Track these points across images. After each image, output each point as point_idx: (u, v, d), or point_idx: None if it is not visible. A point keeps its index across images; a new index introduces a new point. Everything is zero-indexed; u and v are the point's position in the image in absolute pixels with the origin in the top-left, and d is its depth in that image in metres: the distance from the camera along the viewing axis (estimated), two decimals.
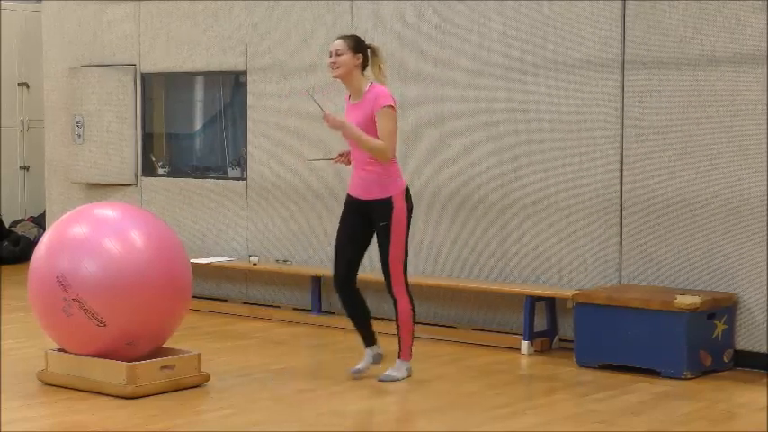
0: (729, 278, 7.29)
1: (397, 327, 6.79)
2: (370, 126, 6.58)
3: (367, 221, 6.71)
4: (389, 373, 6.79)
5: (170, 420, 5.98)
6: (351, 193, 6.76)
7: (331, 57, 6.67)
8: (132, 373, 6.33)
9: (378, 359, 6.93)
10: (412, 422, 6.10)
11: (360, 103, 6.65)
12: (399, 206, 6.63)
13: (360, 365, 6.90)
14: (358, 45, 6.70)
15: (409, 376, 6.82)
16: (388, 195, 6.61)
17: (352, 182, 6.76)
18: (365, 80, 6.70)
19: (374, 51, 6.76)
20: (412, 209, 6.74)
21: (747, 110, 7.19)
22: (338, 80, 6.77)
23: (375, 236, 6.72)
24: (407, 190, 6.72)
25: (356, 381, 6.82)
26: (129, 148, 10.24)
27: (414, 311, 6.77)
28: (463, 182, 8.36)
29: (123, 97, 10.21)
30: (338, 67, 6.65)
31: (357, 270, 6.84)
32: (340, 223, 6.84)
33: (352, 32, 8.48)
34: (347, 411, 6.23)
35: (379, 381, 6.73)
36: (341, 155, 6.94)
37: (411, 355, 6.83)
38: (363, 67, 6.70)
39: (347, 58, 6.64)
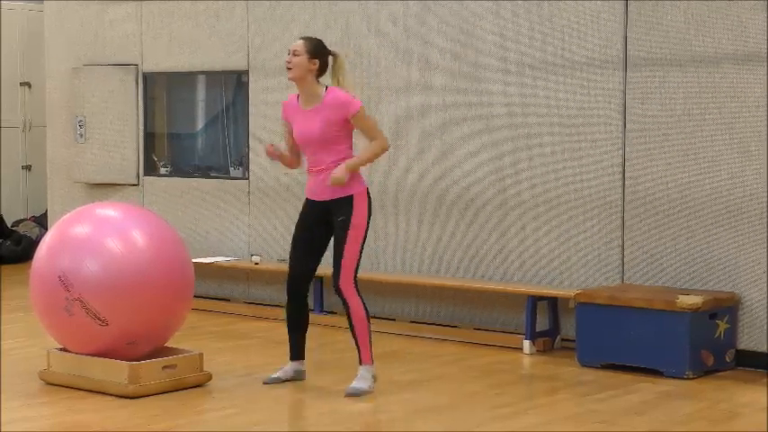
0: (731, 278, 7.28)
1: (352, 331, 6.47)
2: (334, 130, 6.39)
3: (326, 224, 6.52)
4: (355, 385, 6.47)
5: (172, 420, 5.97)
6: (310, 197, 6.56)
7: (288, 55, 6.47)
8: (134, 372, 6.32)
9: (300, 376, 6.75)
10: (413, 422, 6.08)
11: (319, 108, 6.42)
12: (360, 203, 6.44)
13: (278, 374, 6.71)
14: (316, 50, 6.45)
15: (374, 382, 6.52)
16: (350, 193, 6.44)
17: (310, 185, 6.53)
18: (320, 85, 6.48)
19: (335, 59, 6.50)
20: (371, 211, 6.53)
21: (749, 109, 7.18)
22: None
23: (333, 236, 6.52)
24: (368, 192, 6.54)
25: None
26: (131, 148, 10.23)
27: (367, 311, 6.47)
28: (465, 181, 8.36)
29: (125, 97, 10.20)
30: (291, 69, 6.43)
31: (312, 276, 6.72)
32: (298, 224, 6.65)
33: (356, 32, 8.49)
34: (349, 411, 6.21)
35: (347, 396, 6.42)
36: (272, 145, 6.61)
37: (372, 358, 6.51)
38: (320, 72, 6.47)
39: (302, 60, 6.41)
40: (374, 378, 6.55)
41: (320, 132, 6.41)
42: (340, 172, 6.37)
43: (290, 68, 6.44)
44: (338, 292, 6.49)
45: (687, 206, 7.43)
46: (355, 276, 6.48)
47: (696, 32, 7.33)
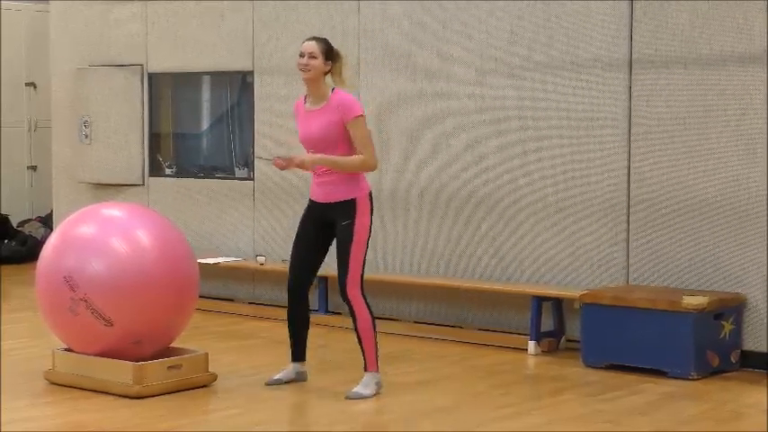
0: (737, 278, 7.27)
1: (358, 337, 6.44)
2: (335, 131, 6.37)
3: (328, 226, 6.50)
4: (358, 390, 6.44)
5: (177, 420, 5.97)
6: (313, 198, 6.55)
7: (303, 58, 6.44)
8: (139, 372, 6.32)
9: (301, 377, 6.75)
10: (418, 422, 6.07)
11: (323, 109, 6.43)
12: (363, 207, 6.43)
13: (280, 375, 6.71)
14: (330, 51, 6.48)
15: (379, 391, 6.48)
16: (353, 197, 6.43)
17: (314, 187, 6.53)
18: (327, 86, 6.50)
19: (339, 58, 6.51)
20: (373, 213, 6.51)
21: (755, 109, 7.17)
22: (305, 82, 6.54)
23: (335, 239, 6.49)
24: (371, 195, 6.53)
25: None
26: (136, 148, 10.23)
27: (373, 318, 6.44)
28: (469, 181, 8.35)
29: (130, 97, 10.20)
30: (309, 70, 6.42)
31: (314, 277, 6.71)
32: (300, 227, 6.63)
33: (359, 32, 8.49)
34: (353, 411, 6.21)
35: (347, 398, 6.39)
36: (279, 158, 6.58)
37: (378, 366, 6.49)
38: (327, 72, 6.50)
39: (319, 62, 6.43)
40: (379, 385, 6.52)
41: (320, 133, 6.41)
42: (307, 158, 6.34)
43: (308, 70, 6.44)
44: (345, 298, 6.47)
45: (692, 206, 7.41)
46: (361, 280, 6.47)
47: (702, 33, 7.32)
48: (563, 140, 7.92)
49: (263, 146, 9.43)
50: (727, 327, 7.15)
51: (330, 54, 6.48)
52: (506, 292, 8.04)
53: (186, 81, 10.26)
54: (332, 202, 6.45)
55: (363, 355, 6.48)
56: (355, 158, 6.37)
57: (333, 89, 6.48)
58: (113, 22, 10.33)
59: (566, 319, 7.92)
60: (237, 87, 10.01)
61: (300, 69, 6.47)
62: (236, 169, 9.83)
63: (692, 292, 7.20)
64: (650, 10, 7.50)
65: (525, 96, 8.07)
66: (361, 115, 6.40)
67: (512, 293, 8.02)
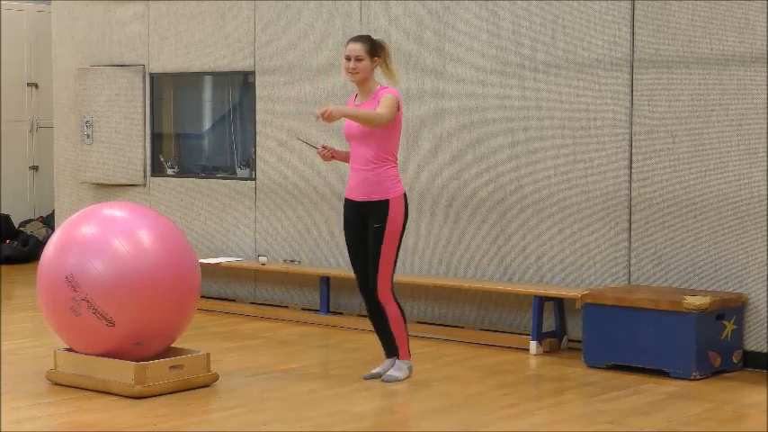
0: (738, 278, 7.26)
1: (388, 331, 6.80)
2: None
3: (366, 224, 6.66)
4: (392, 373, 6.81)
5: (178, 420, 5.98)
6: (349, 197, 6.71)
7: (350, 61, 6.57)
8: (141, 372, 6.32)
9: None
10: (420, 422, 6.09)
11: (366, 102, 6.62)
12: (396, 209, 6.58)
13: (378, 369, 6.91)
14: (374, 48, 6.63)
15: (411, 374, 6.86)
16: (386, 198, 6.57)
17: (350, 184, 6.71)
18: (375, 82, 6.68)
19: (383, 49, 6.70)
20: (407, 214, 6.69)
21: (757, 110, 7.17)
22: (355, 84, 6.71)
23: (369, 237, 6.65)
24: (405, 196, 6.68)
25: (364, 381, 6.81)
26: (138, 148, 10.24)
27: (404, 315, 6.80)
28: (471, 180, 8.35)
29: (132, 97, 10.20)
30: (357, 73, 6.58)
31: (376, 273, 6.74)
32: (345, 230, 6.80)
33: (362, 32, 8.48)
34: (355, 412, 6.21)
35: (383, 381, 6.76)
36: (325, 147, 6.81)
37: (410, 354, 6.88)
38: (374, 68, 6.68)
39: (366, 64, 6.58)
40: (411, 369, 6.87)
41: (358, 126, 6.51)
42: (334, 107, 6.42)
43: (356, 73, 6.56)
44: (376, 298, 6.68)
45: (694, 206, 7.41)
46: (392, 280, 6.69)
47: (703, 33, 7.32)
48: (565, 140, 7.92)
49: (265, 146, 9.43)
50: (729, 327, 7.14)
51: (375, 50, 6.62)
52: (508, 292, 8.05)
53: (188, 81, 10.26)
54: (366, 200, 6.60)
55: (396, 345, 6.80)
56: (371, 111, 6.51)
57: (379, 85, 6.63)
58: (115, 23, 10.34)
59: (567, 319, 7.92)
60: (239, 87, 10.02)
61: (349, 73, 6.59)
62: (238, 169, 9.84)
63: (694, 292, 7.20)
64: (652, 10, 7.49)
65: (527, 96, 8.07)
66: (394, 94, 6.54)
67: (513, 293, 8.02)
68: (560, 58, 7.91)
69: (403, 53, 8.59)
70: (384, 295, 6.68)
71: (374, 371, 6.91)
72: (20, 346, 7.84)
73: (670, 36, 7.43)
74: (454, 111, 8.41)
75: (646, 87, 7.56)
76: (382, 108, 6.50)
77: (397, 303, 6.76)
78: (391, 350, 6.88)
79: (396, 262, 6.71)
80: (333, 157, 6.84)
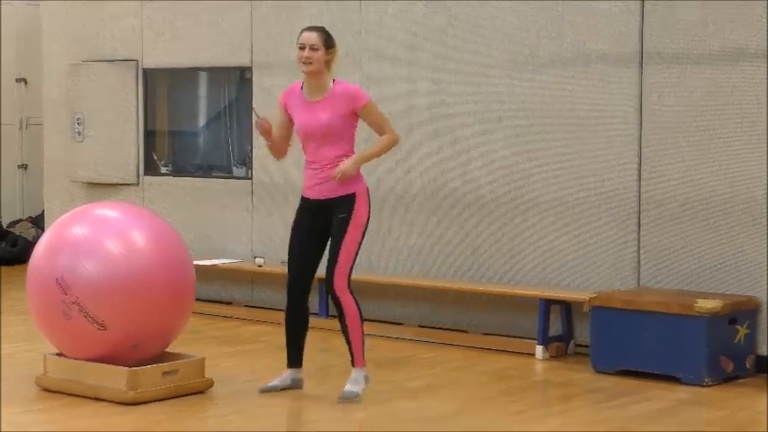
0: (751, 281, 7.22)
1: (345, 331, 6.35)
2: (344, 122, 6.31)
3: (325, 223, 6.41)
4: (349, 388, 6.37)
5: (172, 427, 5.94)
6: (310, 196, 6.44)
7: (304, 50, 6.31)
8: (134, 378, 6.27)
9: (297, 384, 6.59)
10: (423, 429, 6.00)
11: (327, 100, 6.34)
12: (362, 202, 6.39)
13: (275, 382, 6.56)
14: (330, 39, 6.39)
15: (367, 385, 6.42)
16: (353, 191, 6.37)
17: (309, 183, 6.41)
18: (329, 76, 6.40)
19: (335, 45, 6.42)
20: (370, 211, 6.46)
21: None
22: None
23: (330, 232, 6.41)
24: (368, 191, 6.47)
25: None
26: (131, 146, 10.17)
27: (360, 313, 6.36)
28: (475, 179, 8.29)
29: (125, 94, 10.17)
30: (311, 63, 6.32)
31: (312, 280, 6.56)
32: (295, 229, 6.54)
33: (363, 26, 8.43)
34: (355, 418, 6.16)
35: (340, 400, 6.32)
36: (267, 121, 6.43)
37: (365, 360, 6.42)
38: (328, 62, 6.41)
39: (321, 54, 6.32)
40: (367, 380, 6.46)
41: (327, 125, 6.33)
42: (350, 164, 6.29)
43: (310, 63, 6.32)
44: (331, 290, 6.38)
45: (705, 206, 7.36)
46: (350, 274, 6.39)
47: (713, 28, 7.28)
48: (572, 138, 7.88)
49: (262, 144, 9.30)
50: (742, 331, 7.10)
51: (330, 42, 6.40)
52: (513, 295, 8.00)
53: (182, 77, 10.24)
54: (332, 197, 6.38)
55: (351, 350, 6.39)
56: (383, 140, 6.40)
57: (333, 80, 6.39)
58: (108, 18, 10.32)
59: (575, 323, 7.87)
60: (235, 83, 9.99)
61: (302, 63, 6.34)
62: (234, 168, 9.81)
63: (705, 296, 7.17)
64: (661, 5, 7.46)
65: (534, 93, 8.03)
66: (371, 100, 6.42)
67: (519, 296, 7.97)
68: (567, 53, 7.87)
69: (403, 50, 8.54)
70: (341, 289, 6.29)
71: (271, 384, 6.55)
72: (9, 350, 7.76)
73: (680, 31, 7.41)
74: (458, 107, 8.35)
75: (655, 83, 7.53)
76: (381, 126, 6.39)
77: (355, 301, 6.34)
78: (299, 360, 6.53)
79: (355, 259, 6.40)
80: (268, 134, 6.45)
